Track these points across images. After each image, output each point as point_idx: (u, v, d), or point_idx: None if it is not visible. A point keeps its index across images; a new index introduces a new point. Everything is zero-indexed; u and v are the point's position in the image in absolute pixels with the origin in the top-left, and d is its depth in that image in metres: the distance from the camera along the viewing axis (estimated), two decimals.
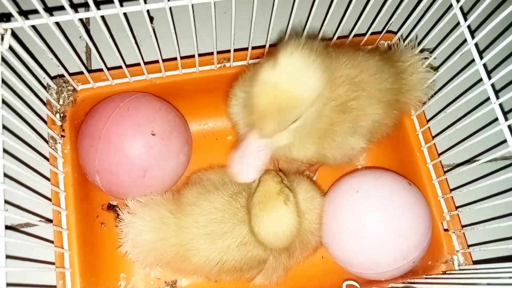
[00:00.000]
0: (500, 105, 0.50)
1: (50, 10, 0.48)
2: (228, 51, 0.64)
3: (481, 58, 0.52)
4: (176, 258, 0.57)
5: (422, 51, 0.63)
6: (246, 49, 0.64)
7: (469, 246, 0.61)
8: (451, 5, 0.54)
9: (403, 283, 0.58)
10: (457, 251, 0.61)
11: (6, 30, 0.47)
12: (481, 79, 0.52)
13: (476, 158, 0.55)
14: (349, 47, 0.61)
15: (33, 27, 0.50)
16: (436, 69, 0.62)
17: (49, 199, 0.58)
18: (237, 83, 0.58)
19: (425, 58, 0.62)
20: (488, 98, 0.51)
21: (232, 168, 0.50)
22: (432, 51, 0.62)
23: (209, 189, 0.59)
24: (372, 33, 0.66)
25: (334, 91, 0.53)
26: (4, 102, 0.46)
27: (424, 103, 0.64)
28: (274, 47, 0.64)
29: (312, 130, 0.53)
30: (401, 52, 0.63)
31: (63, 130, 0.62)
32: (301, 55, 0.45)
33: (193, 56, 0.63)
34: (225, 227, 0.55)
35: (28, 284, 0.62)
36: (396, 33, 0.68)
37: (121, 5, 0.49)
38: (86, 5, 0.77)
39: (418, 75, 0.62)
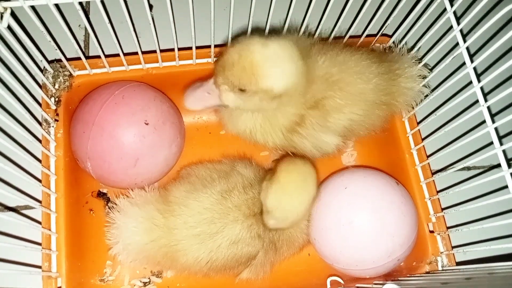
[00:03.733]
0: (488, 107, 0.51)
1: None
2: (226, 44, 0.64)
3: (472, 61, 0.53)
4: (165, 258, 0.56)
5: (414, 57, 0.64)
6: None
7: (453, 247, 0.62)
8: (445, 9, 0.56)
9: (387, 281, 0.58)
10: (441, 253, 0.62)
11: (5, 8, 0.48)
12: (471, 82, 0.53)
13: (463, 161, 0.55)
14: (336, 44, 0.61)
15: (33, 8, 0.50)
16: (424, 77, 0.62)
17: (39, 181, 0.58)
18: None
19: (417, 61, 0.63)
20: (477, 101, 0.52)
21: (186, 93, 0.56)
22: (422, 57, 0.63)
23: (197, 187, 0.58)
24: (367, 36, 0.67)
25: (307, 88, 0.54)
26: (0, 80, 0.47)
27: (416, 106, 0.65)
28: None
29: (275, 123, 0.56)
30: (393, 54, 0.64)
31: (57, 114, 0.62)
32: (290, 52, 0.49)
33: (190, 48, 0.64)
34: (215, 227, 0.55)
35: (13, 262, 0.61)
36: (391, 36, 0.69)
37: None
38: None
39: (407, 80, 0.62)
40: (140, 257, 0.57)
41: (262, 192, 0.56)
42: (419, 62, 0.62)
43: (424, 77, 0.62)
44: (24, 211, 0.66)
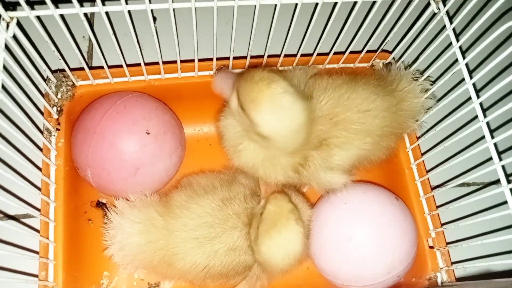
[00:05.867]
0: (488, 123, 0.51)
1: (56, 3, 0.49)
2: (228, 58, 0.65)
3: (471, 77, 0.54)
4: (162, 262, 0.56)
5: (414, 72, 0.64)
6: (245, 57, 0.66)
7: (452, 263, 0.62)
8: (444, 26, 0.57)
9: None
10: (441, 268, 0.62)
11: (12, 18, 0.49)
12: (470, 98, 0.53)
13: (463, 176, 0.56)
14: (339, 77, 0.60)
15: (39, 18, 0.51)
16: (437, 99, 0.62)
17: (39, 189, 0.58)
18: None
19: (417, 76, 0.63)
20: (477, 116, 0.52)
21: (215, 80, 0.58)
22: (423, 71, 0.63)
23: (199, 193, 0.59)
24: (368, 51, 0.68)
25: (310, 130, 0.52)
26: (3, 87, 0.47)
27: (416, 120, 0.65)
28: (272, 57, 0.66)
29: (276, 162, 0.55)
30: (397, 79, 0.62)
31: (59, 124, 0.63)
32: (294, 106, 0.48)
33: (192, 60, 0.64)
34: (214, 232, 0.55)
35: (10, 270, 0.61)
36: (391, 52, 0.70)
37: (126, 3, 0.50)
38: (92, 0, 0.79)
39: (411, 99, 0.61)
40: (136, 260, 0.56)
41: (252, 237, 0.54)
42: (420, 76, 0.62)
43: (427, 90, 0.62)
44: (24, 220, 0.65)
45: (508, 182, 0.49)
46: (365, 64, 0.71)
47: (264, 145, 0.52)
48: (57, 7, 0.49)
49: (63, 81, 0.64)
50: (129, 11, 0.51)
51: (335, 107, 0.55)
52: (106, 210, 0.64)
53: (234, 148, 0.56)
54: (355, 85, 0.57)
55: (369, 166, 0.61)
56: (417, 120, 0.62)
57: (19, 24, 0.50)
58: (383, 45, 0.68)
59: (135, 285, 0.64)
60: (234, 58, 0.65)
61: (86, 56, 0.77)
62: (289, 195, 0.55)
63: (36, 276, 0.55)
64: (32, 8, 0.50)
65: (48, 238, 0.57)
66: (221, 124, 0.58)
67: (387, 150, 0.60)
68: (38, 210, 0.58)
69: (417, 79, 0.62)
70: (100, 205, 0.66)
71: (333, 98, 0.55)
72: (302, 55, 0.66)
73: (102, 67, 0.63)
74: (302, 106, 0.49)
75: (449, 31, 0.56)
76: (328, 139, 0.54)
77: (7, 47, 0.49)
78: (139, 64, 0.63)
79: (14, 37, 0.49)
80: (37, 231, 0.57)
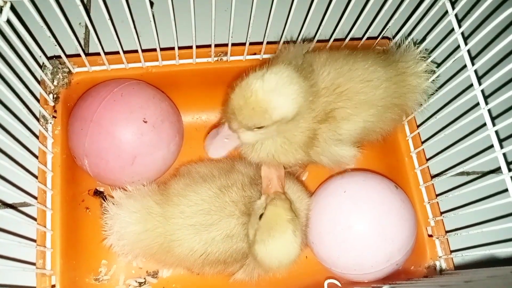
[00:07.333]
0: (489, 110, 0.51)
1: None
2: (226, 44, 0.64)
3: (473, 64, 0.53)
4: (160, 249, 0.56)
5: (420, 52, 0.63)
6: (244, 44, 0.65)
7: (451, 251, 0.62)
8: (446, 12, 0.56)
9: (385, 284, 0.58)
10: (439, 257, 0.62)
11: (5, 2, 0.47)
12: (471, 85, 0.53)
13: (462, 165, 0.55)
14: (340, 51, 0.61)
15: (33, 2, 0.50)
16: (433, 71, 0.61)
17: (35, 177, 0.58)
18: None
19: (423, 57, 0.62)
20: (478, 104, 0.52)
21: (206, 144, 0.60)
22: (430, 52, 0.62)
23: (196, 181, 0.59)
24: (368, 38, 0.67)
25: (315, 102, 0.54)
26: None
27: (424, 104, 0.64)
28: (271, 44, 0.66)
29: (294, 140, 0.56)
30: (400, 53, 0.63)
31: (55, 111, 0.62)
32: (288, 75, 0.50)
33: (190, 47, 0.63)
34: (211, 219, 0.55)
35: (7, 257, 0.61)
36: (391, 39, 0.69)
37: None
38: None
39: (415, 78, 0.61)
40: (135, 248, 0.56)
41: (250, 237, 0.55)
42: (426, 58, 0.62)
43: (432, 72, 0.61)
44: (21, 208, 0.65)
45: (509, 170, 0.49)
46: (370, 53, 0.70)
47: (282, 129, 0.53)
48: None
49: (59, 68, 0.63)
50: None
51: (337, 78, 0.56)
52: (104, 199, 0.64)
53: (252, 147, 0.58)
54: (355, 57, 0.59)
55: (376, 138, 0.62)
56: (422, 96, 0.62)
57: (13, 9, 0.49)
58: (384, 31, 0.67)
59: (133, 274, 0.64)
60: (233, 44, 0.64)
61: (82, 43, 0.76)
62: (290, 201, 0.55)
63: (33, 264, 0.55)
64: None
65: (45, 226, 0.56)
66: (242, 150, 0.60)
67: (391, 123, 0.61)
68: (36, 198, 0.57)
69: (421, 58, 0.62)
70: (97, 193, 0.66)
71: (334, 70, 0.56)
72: (302, 41, 0.65)
73: (99, 54, 0.62)
74: (289, 68, 0.51)
75: (451, 17, 0.55)
76: (334, 111, 0.55)
77: (1, 32, 0.48)
78: (136, 51, 0.62)
79: (9, 22, 0.48)
80: (35, 219, 0.57)
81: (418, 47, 0.62)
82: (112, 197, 0.58)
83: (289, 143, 0.56)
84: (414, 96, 0.62)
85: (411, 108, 0.63)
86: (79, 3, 0.50)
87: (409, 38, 0.63)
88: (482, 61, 0.50)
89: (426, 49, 0.63)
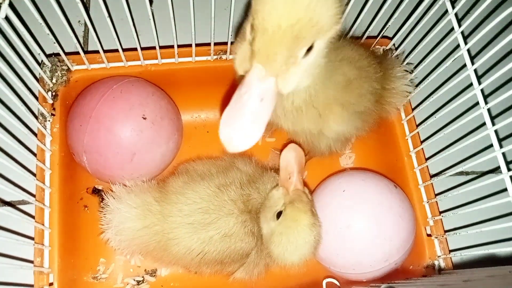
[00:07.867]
0: (489, 110, 0.51)
1: None
2: (226, 43, 0.64)
3: (473, 63, 0.53)
4: (158, 247, 0.56)
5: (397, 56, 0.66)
6: None
7: (450, 251, 0.62)
8: (446, 11, 0.56)
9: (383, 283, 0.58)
10: (438, 256, 0.62)
11: None
12: (471, 84, 0.53)
13: (462, 164, 0.55)
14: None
15: (32, 0, 0.50)
16: (416, 85, 0.64)
17: (34, 174, 0.58)
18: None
19: (407, 71, 0.64)
20: (477, 103, 0.52)
21: (223, 129, 0.36)
22: (416, 66, 0.64)
23: (195, 179, 0.58)
24: (368, 37, 0.67)
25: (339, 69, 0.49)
26: None
27: (416, 107, 0.64)
28: None
29: (331, 82, 0.46)
30: (388, 59, 0.64)
31: (54, 109, 0.62)
32: None
33: (190, 45, 0.63)
34: (209, 218, 0.55)
35: (5, 255, 0.60)
36: (391, 38, 0.69)
37: None
38: None
39: (400, 86, 0.63)
40: (132, 244, 0.56)
41: (264, 231, 0.56)
42: (403, 62, 0.64)
43: (409, 73, 0.63)
44: (19, 206, 0.65)
45: (508, 169, 0.49)
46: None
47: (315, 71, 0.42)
48: None
49: (58, 66, 0.63)
50: None
51: (354, 52, 0.55)
52: (102, 197, 0.63)
53: (292, 109, 0.48)
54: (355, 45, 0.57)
55: (365, 127, 0.60)
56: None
57: (11, 6, 0.49)
58: (383, 31, 0.67)
59: (131, 272, 0.64)
60: (232, 43, 0.64)
61: (81, 41, 0.75)
62: (311, 201, 0.56)
63: (31, 262, 0.55)
64: None
65: (43, 224, 0.56)
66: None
67: (378, 114, 0.61)
68: (34, 196, 0.57)
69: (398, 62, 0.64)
70: (96, 191, 0.65)
71: (350, 45, 0.55)
72: None
73: (97, 52, 0.62)
74: None
75: (451, 16, 0.55)
76: (350, 80, 0.51)
77: None
78: (135, 49, 0.62)
79: (7, 19, 0.48)
80: (33, 217, 0.57)
81: (398, 50, 0.65)
82: (112, 191, 0.58)
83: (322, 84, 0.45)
84: (394, 99, 0.63)
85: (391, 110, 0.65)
86: (78, 0, 0.50)
87: (405, 42, 0.65)
88: (482, 61, 0.50)
89: (403, 54, 0.65)
